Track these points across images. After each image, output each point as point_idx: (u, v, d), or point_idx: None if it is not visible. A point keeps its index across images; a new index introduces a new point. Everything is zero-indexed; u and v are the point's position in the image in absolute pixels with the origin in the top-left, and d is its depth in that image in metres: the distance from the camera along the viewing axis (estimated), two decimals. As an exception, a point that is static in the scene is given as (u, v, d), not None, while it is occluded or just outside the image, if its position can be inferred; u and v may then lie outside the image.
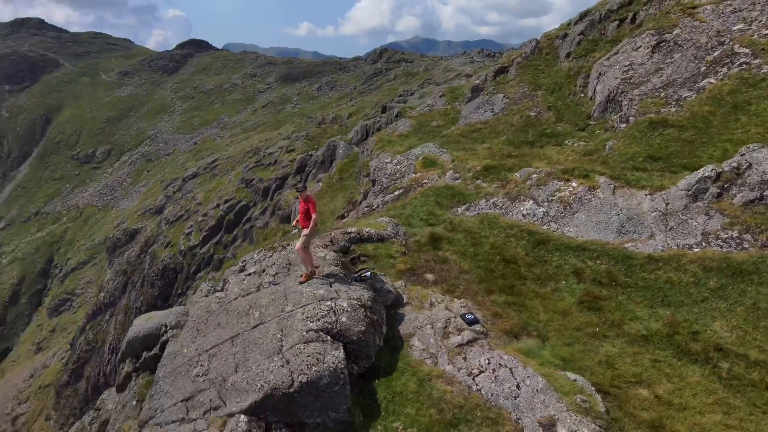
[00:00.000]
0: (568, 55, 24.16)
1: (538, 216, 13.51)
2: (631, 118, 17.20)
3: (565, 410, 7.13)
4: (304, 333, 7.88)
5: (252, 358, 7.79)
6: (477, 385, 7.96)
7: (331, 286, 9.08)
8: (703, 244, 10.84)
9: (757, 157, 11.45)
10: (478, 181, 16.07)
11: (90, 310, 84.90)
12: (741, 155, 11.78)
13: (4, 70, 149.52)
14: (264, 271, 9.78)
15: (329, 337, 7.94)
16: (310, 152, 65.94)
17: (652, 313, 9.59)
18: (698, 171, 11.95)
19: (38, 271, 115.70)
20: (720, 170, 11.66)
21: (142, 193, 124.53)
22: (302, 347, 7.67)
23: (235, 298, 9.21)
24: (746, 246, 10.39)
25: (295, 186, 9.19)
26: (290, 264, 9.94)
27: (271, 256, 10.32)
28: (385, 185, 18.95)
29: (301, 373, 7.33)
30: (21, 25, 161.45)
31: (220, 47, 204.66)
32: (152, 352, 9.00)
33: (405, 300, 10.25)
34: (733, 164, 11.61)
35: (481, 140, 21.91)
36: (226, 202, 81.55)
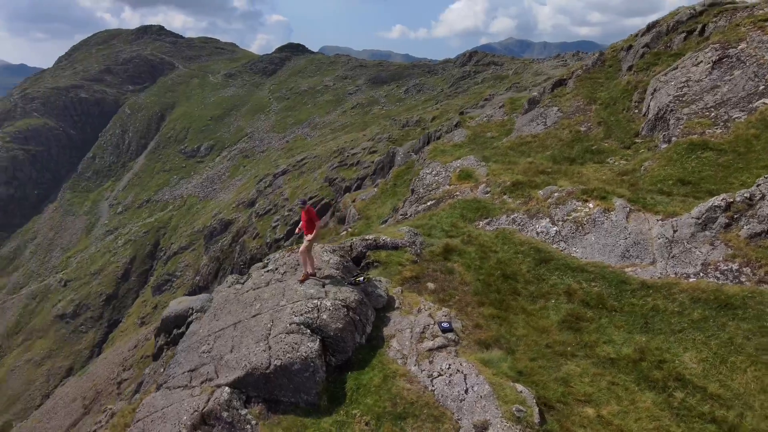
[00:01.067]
0: (630, 68, 23.45)
1: (551, 235, 13.87)
2: (673, 138, 16.68)
3: (499, 416, 7.91)
4: (288, 325, 9.36)
5: (245, 341, 9.42)
6: (432, 386, 8.94)
7: (323, 287, 10.48)
8: (701, 274, 10.73)
9: None
10: (505, 197, 16.58)
11: (186, 291, 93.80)
12: (757, 186, 11.34)
13: (128, 72, 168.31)
14: (277, 269, 11.41)
15: (309, 331, 9.34)
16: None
17: (628, 338, 9.83)
18: (710, 199, 11.68)
19: (146, 253, 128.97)
20: (731, 200, 11.34)
21: (238, 187, 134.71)
22: (284, 336, 9.15)
23: (247, 291, 10.95)
24: (743, 280, 10.15)
25: (302, 202, 10.51)
26: (298, 265, 11.49)
27: (287, 257, 11.94)
28: (420, 195, 19.96)
29: (277, 358, 8.81)
30: (144, 31, 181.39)
31: (316, 50, 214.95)
32: (180, 330, 10.98)
33: (397, 305, 11.38)
34: (745, 194, 11.23)
35: (528, 154, 22.08)
36: (310, 198, 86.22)
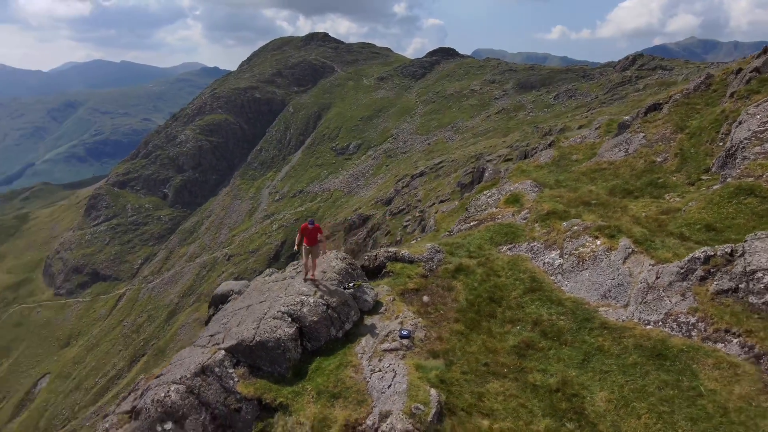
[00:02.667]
0: (732, 94, 21.46)
1: (554, 266, 14.55)
2: (729, 179, 15.64)
3: (400, 410, 9.82)
4: (276, 312, 12.29)
5: (247, 320, 12.59)
6: (369, 378, 11.09)
7: (317, 287, 13.16)
8: (660, 323, 10.86)
9: (755, 246, 10.47)
10: (536, 225, 17.28)
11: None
12: (745, 241, 10.84)
13: (295, 75, 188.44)
14: (291, 270, 14.44)
15: (290, 319, 12.15)
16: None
17: (560, 371, 10.66)
18: (694, 251, 11.48)
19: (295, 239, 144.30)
20: (712, 253, 11.05)
21: (378, 185, 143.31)
22: (270, 321, 12.10)
23: (267, 283, 14.15)
24: (693, 334, 10.14)
25: (308, 219, 12.95)
26: (317, 271, 14.34)
27: (302, 262, 14.89)
28: (470, 215, 21.23)
29: (259, 336, 11.80)
30: (311, 38, 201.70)
31: (469, 53, 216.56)
32: (222, 305, 14.64)
33: (382, 310, 13.59)
34: (727, 250, 10.85)
35: (600, 181, 21.84)
36: (441, 202, 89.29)
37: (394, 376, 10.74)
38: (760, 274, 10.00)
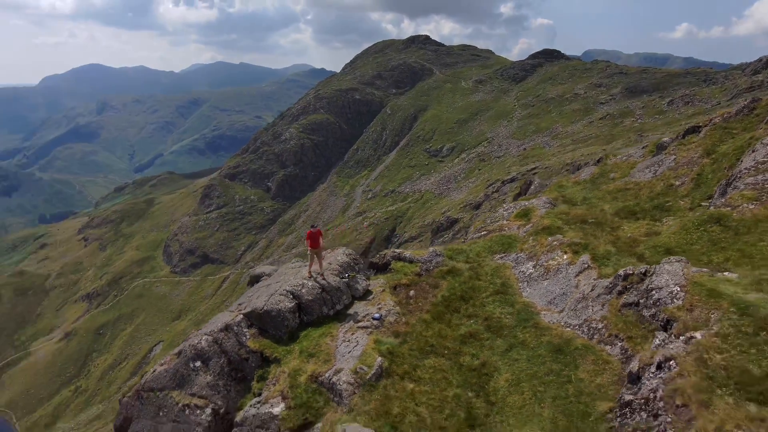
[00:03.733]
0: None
1: (526, 275, 16.79)
2: (712, 207, 16.61)
3: (349, 368, 13.23)
4: (282, 290, 16.25)
5: (263, 294, 16.71)
6: (339, 345, 14.61)
7: (317, 276, 16.95)
8: (577, 327, 12.93)
9: (663, 269, 12.07)
10: (531, 238, 19.39)
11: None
12: (661, 264, 12.43)
13: (394, 77, 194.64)
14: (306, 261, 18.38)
15: (292, 296, 16.04)
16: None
17: (486, 356, 13.25)
18: (620, 270, 13.26)
19: (384, 236, 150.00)
20: (631, 272, 12.80)
21: (469, 189, 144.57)
22: (276, 296, 16.10)
23: (286, 269, 18.20)
24: (595, 337, 12.14)
25: (312, 225, 16.37)
26: (324, 262, 18.15)
27: (325, 257, 18.72)
28: (485, 225, 23.49)
29: (267, 306, 15.83)
30: (412, 41, 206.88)
31: (579, 54, 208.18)
32: (256, 284, 18.95)
33: (370, 297, 17.00)
34: (642, 270, 12.53)
35: (619, 201, 23.01)
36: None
37: (356, 346, 14.15)
38: (653, 292, 11.75)
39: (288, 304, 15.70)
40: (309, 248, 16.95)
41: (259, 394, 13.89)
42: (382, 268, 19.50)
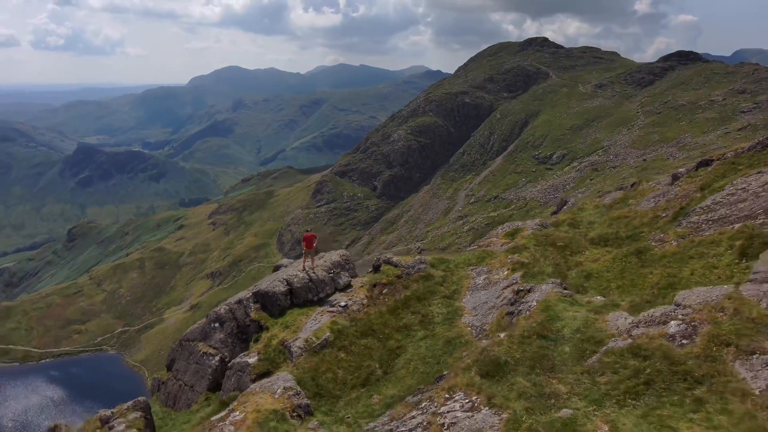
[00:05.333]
0: None
1: (476, 285, 20.39)
2: (653, 241, 18.66)
3: (303, 338, 18.37)
4: (281, 278, 21.90)
5: (269, 279, 22.49)
6: (307, 322, 19.81)
7: (307, 271, 22.27)
8: (476, 327, 16.55)
9: (540, 288, 15.12)
10: (502, 254, 22.65)
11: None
12: (540, 285, 15.46)
13: (506, 81, 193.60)
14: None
15: (286, 282, 21.59)
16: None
17: (405, 341, 17.44)
18: (517, 286, 16.49)
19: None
20: (522, 289, 15.99)
21: (577, 198, 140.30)
22: (275, 282, 21.77)
23: (294, 263, 23.79)
24: (478, 334, 15.73)
25: (306, 229, 21.10)
26: (318, 259, 23.45)
27: (319, 259, 24.07)
28: (480, 241, 26.65)
29: (267, 288, 21.58)
30: (529, 44, 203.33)
31: (728, 54, 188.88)
32: (275, 272, 24.86)
33: (349, 290, 21.95)
34: (528, 287, 15.65)
35: (614, 227, 24.96)
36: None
37: (318, 323, 19.28)
38: (522, 305, 15.00)
39: (282, 288, 21.30)
40: (304, 248, 22.38)
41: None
42: (376, 269, 24.26)
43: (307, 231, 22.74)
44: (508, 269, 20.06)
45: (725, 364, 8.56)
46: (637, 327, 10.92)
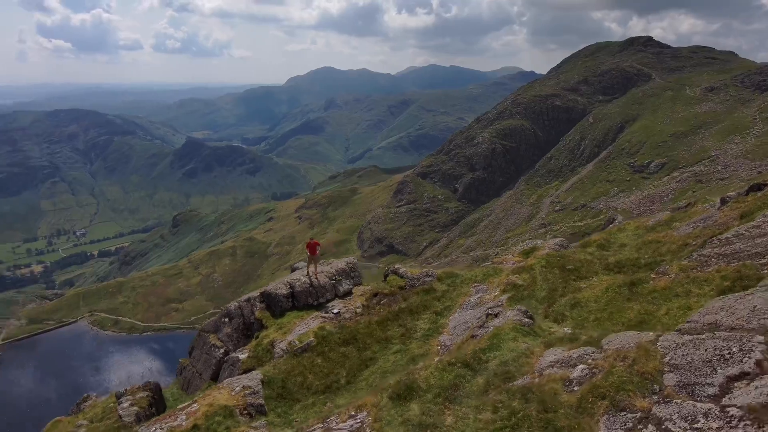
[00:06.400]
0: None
1: (469, 303, 20.16)
2: (661, 272, 17.34)
3: (288, 340, 19.43)
4: (285, 281, 23.15)
5: (276, 282, 23.85)
6: (299, 325, 20.83)
7: (310, 277, 23.27)
8: (446, 346, 16.47)
9: (507, 314, 14.70)
10: (507, 272, 22.10)
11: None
12: (506, 310, 15.01)
13: (602, 83, 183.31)
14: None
15: (289, 286, 22.81)
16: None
17: (383, 351, 17.80)
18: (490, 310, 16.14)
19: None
20: (491, 312, 15.60)
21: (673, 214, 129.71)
22: (279, 284, 23.10)
23: (303, 268, 24.97)
24: (443, 351, 15.70)
25: (311, 238, 21.67)
26: (326, 265, 24.38)
27: (332, 262, 24.95)
28: (496, 258, 25.88)
29: (271, 290, 22.95)
30: (631, 43, 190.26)
31: None
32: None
33: (348, 297, 22.69)
34: (496, 312, 15.26)
35: (641, 251, 23.35)
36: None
37: (306, 327, 20.25)
38: (483, 329, 14.79)
39: (284, 291, 22.57)
40: (308, 254, 23.49)
41: (247, 347, 21.24)
42: (384, 278, 24.80)
43: (311, 239, 23.86)
44: (500, 290, 19.67)
45: (592, 418, 8.17)
46: (552, 367, 10.57)
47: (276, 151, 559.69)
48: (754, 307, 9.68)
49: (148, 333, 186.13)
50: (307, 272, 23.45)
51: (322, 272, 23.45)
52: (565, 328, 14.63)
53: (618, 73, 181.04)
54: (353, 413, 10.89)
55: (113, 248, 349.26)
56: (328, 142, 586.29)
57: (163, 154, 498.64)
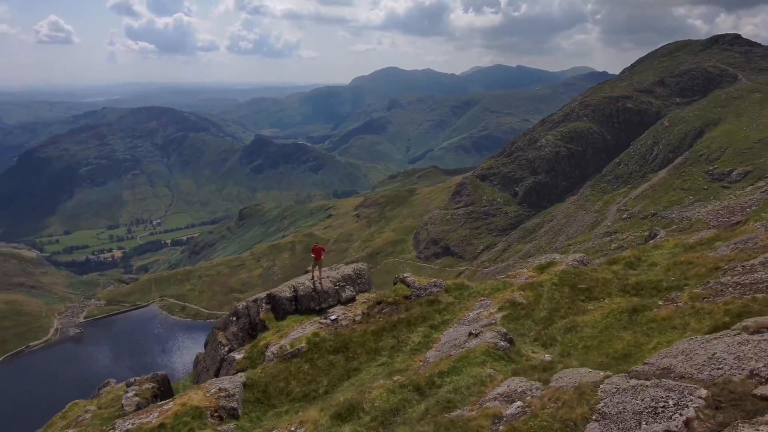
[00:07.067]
0: None
1: (468, 318, 19.41)
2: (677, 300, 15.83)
3: (281, 343, 19.60)
4: (289, 285, 23.40)
5: (282, 286, 24.17)
6: (296, 329, 20.95)
7: (314, 282, 23.33)
8: (427, 363, 15.93)
9: (486, 334, 13.91)
10: (509, 291, 21.10)
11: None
12: (485, 331, 14.15)
13: (680, 85, 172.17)
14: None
15: (293, 289, 23.03)
16: None
17: (366, 364, 17.55)
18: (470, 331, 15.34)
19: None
20: (474, 331, 14.85)
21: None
22: (284, 287, 23.37)
23: (309, 273, 25.17)
24: (425, 366, 15.17)
25: (316, 243, 21.52)
26: (332, 269, 24.37)
27: (340, 267, 24.89)
28: (510, 271, 24.61)
29: (275, 292, 23.28)
30: (715, 41, 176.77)
31: None
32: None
33: (350, 305, 22.58)
34: (477, 333, 14.46)
35: (669, 272, 21.55)
36: None
37: (302, 332, 20.35)
38: (461, 348, 14.09)
39: (288, 294, 22.84)
40: (314, 260, 23.58)
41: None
42: (393, 285, 24.52)
43: (316, 244, 23.93)
44: (498, 307, 18.78)
45: (497, 463, 7.52)
46: (496, 399, 9.89)
47: (339, 149, 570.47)
48: (713, 354, 8.53)
49: (211, 320, 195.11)
50: (312, 276, 23.60)
51: (328, 277, 23.53)
52: (547, 355, 13.68)
53: (699, 73, 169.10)
54: (293, 429, 10.78)
55: (185, 238, 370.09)
56: (390, 142, 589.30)
57: (233, 150, 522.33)
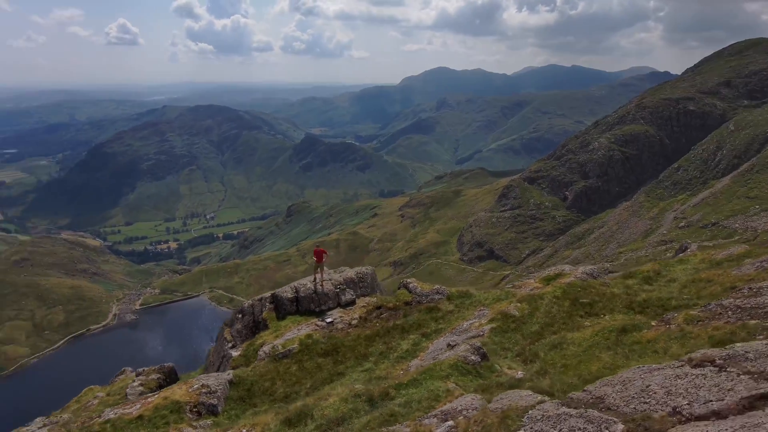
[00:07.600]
0: None
1: (463, 327, 19.05)
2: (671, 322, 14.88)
3: (275, 343, 19.98)
4: (291, 286, 23.80)
5: (285, 287, 24.61)
6: (292, 329, 21.29)
7: (320, 285, 23.58)
8: (417, 366, 15.81)
9: (458, 348, 13.56)
10: (507, 302, 20.53)
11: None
12: (464, 344, 13.79)
13: (749, 86, 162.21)
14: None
15: (295, 291, 23.42)
16: None
17: (351, 369, 17.57)
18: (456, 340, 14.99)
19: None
20: (449, 343, 14.53)
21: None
22: (287, 289, 23.79)
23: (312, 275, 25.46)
24: (413, 370, 15.08)
25: (317, 244, 21.38)
26: (335, 272, 24.54)
27: (334, 274, 25.09)
28: (516, 283, 23.83)
29: (278, 293, 23.74)
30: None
31: None
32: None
33: (349, 307, 22.71)
34: (453, 343, 14.15)
35: (684, 289, 20.35)
36: None
37: (297, 333, 20.68)
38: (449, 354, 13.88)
39: (289, 294, 23.25)
40: (315, 262, 23.87)
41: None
42: (398, 289, 24.50)
43: (317, 246, 24.18)
44: (488, 319, 18.34)
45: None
46: (435, 417, 9.71)
47: (386, 149, 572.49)
48: (647, 386, 8.01)
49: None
50: (314, 278, 23.92)
51: (329, 280, 23.76)
52: (520, 373, 13.26)
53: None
54: (244, 431, 11.02)
55: (236, 232, 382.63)
56: (438, 142, 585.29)
57: (283, 148, 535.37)
